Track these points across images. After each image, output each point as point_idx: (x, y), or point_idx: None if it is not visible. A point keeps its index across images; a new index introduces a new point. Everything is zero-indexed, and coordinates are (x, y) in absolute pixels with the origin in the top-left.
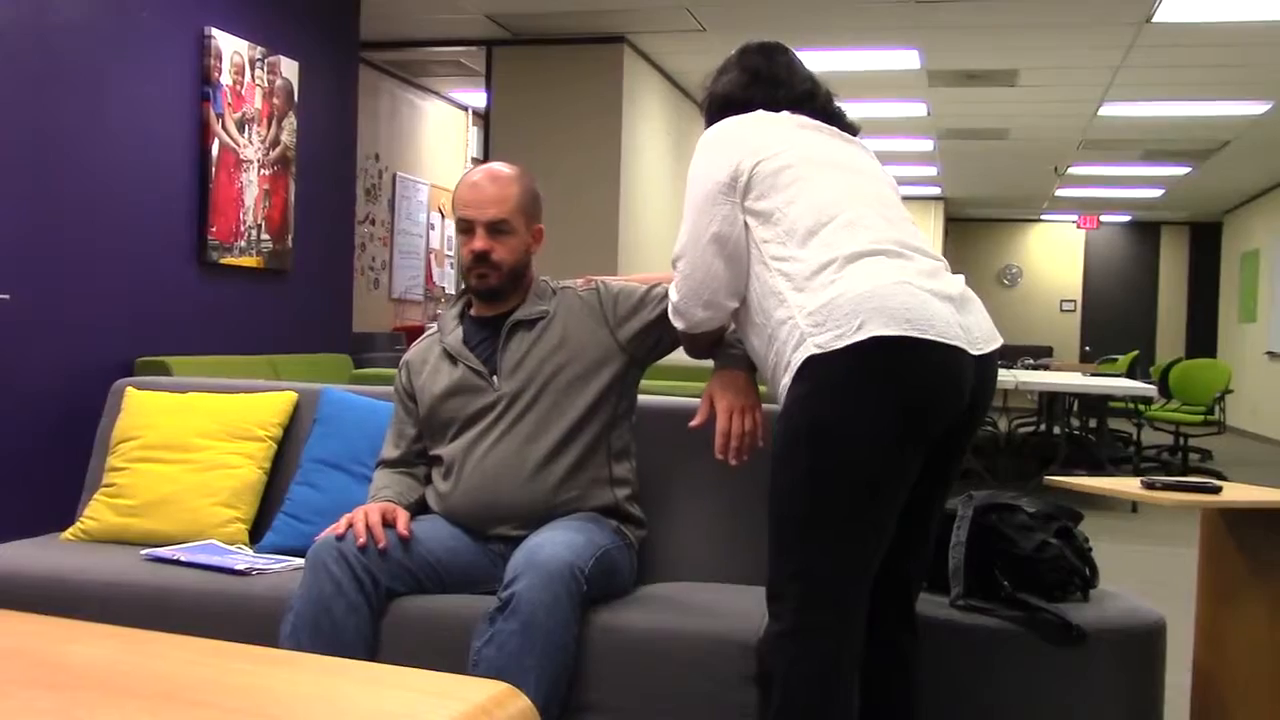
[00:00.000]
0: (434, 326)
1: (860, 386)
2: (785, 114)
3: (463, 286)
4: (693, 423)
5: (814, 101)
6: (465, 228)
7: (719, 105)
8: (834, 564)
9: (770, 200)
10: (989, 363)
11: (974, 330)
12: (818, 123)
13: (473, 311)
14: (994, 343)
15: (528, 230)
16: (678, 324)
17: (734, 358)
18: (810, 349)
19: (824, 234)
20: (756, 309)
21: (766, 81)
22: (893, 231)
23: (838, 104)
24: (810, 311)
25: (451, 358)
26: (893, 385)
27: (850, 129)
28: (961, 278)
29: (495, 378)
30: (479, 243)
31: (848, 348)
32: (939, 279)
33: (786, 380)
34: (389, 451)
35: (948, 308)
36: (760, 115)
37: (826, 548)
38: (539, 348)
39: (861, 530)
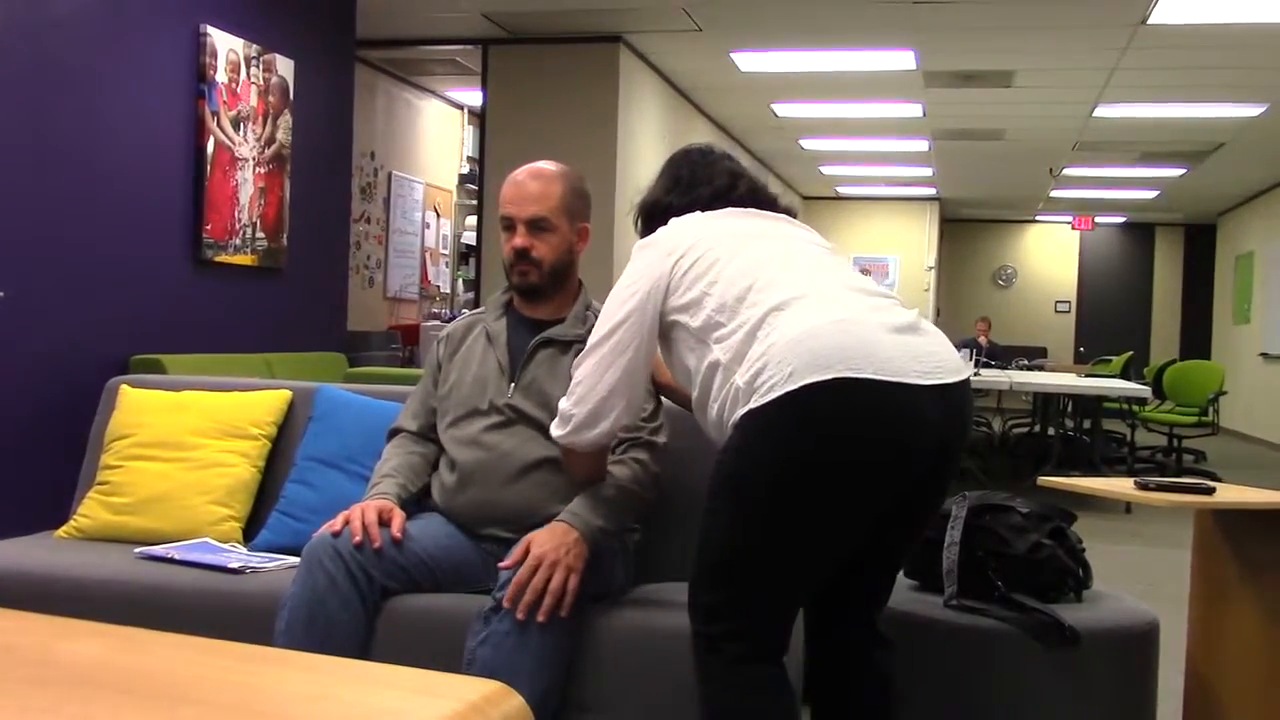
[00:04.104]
0: (466, 312)
1: (789, 438)
2: (696, 213)
3: (506, 284)
4: (501, 563)
5: (732, 193)
6: (507, 225)
7: (645, 212)
8: (749, 603)
9: (695, 289)
10: (954, 394)
11: (929, 361)
12: (732, 208)
13: (515, 304)
14: (958, 373)
15: (571, 229)
16: (555, 432)
17: (578, 516)
18: (749, 406)
19: (751, 296)
20: (710, 392)
21: (686, 185)
22: (826, 276)
23: (767, 191)
24: (747, 370)
25: (489, 340)
26: (823, 435)
27: (785, 211)
28: (916, 310)
29: (513, 385)
30: (519, 239)
31: (778, 399)
32: (886, 312)
33: (726, 437)
34: (407, 422)
35: (894, 339)
36: (672, 222)
37: (745, 590)
38: (558, 374)
39: (780, 579)
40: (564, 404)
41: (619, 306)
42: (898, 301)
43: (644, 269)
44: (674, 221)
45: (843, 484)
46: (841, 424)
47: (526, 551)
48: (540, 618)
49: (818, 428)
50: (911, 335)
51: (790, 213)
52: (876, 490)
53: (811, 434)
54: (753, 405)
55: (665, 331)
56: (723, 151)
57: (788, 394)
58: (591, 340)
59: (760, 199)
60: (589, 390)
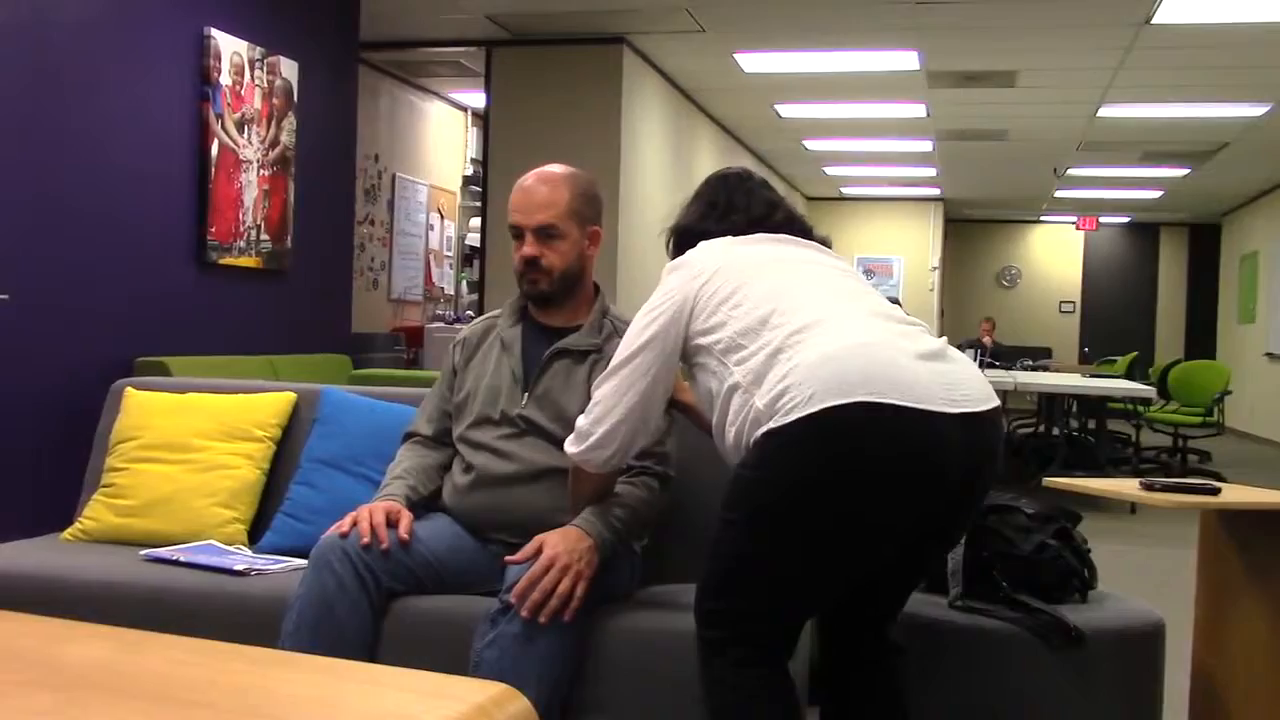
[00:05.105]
0: (471, 314)
1: (807, 459)
2: (727, 238)
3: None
4: (509, 557)
5: (768, 221)
6: (516, 233)
7: (679, 236)
8: (758, 615)
9: (720, 313)
10: (981, 423)
11: (956, 389)
12: (763, 234)
13: (530, 311)
14: (987, 402)
15: (582, 234)
16: (570, 449)
17: (593, 525)
18: (768, 427)
19: (774, 319)
20: (728, 415)
21: (722, 210)
22: (852, 302)
23: (804, 221)
24: (767, 392)
25: (504, 347)
26: (842, 458)
27: (820, 241)
28: (944, 339)
29: (526, 395)
30: (528, 248)
31: (798, 420)
32: (913, 339)
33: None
34: (422, 425)
35: (921, 365)
36: (701, 245)
37: (754, 603)
38: (572, 385)
39: (791, 595)
40: (582, 421)
41: (643, 330)
42: (925, 329)
43: (671, 291)
44: (703, 245)
45: (859, 507)
46: (861, 448)
47: (538, 550)
48: (542, 619)
49: (837, 450)
50: (939, 362)
51: (825, 243)
52: (893, 516)
53: (830, 456)
54: (772, 425)
55: (690, 355)
56: (761, 179)
57: (809, 415)
58: (615, 360)
59: (796, 228)
60: (607, 411)
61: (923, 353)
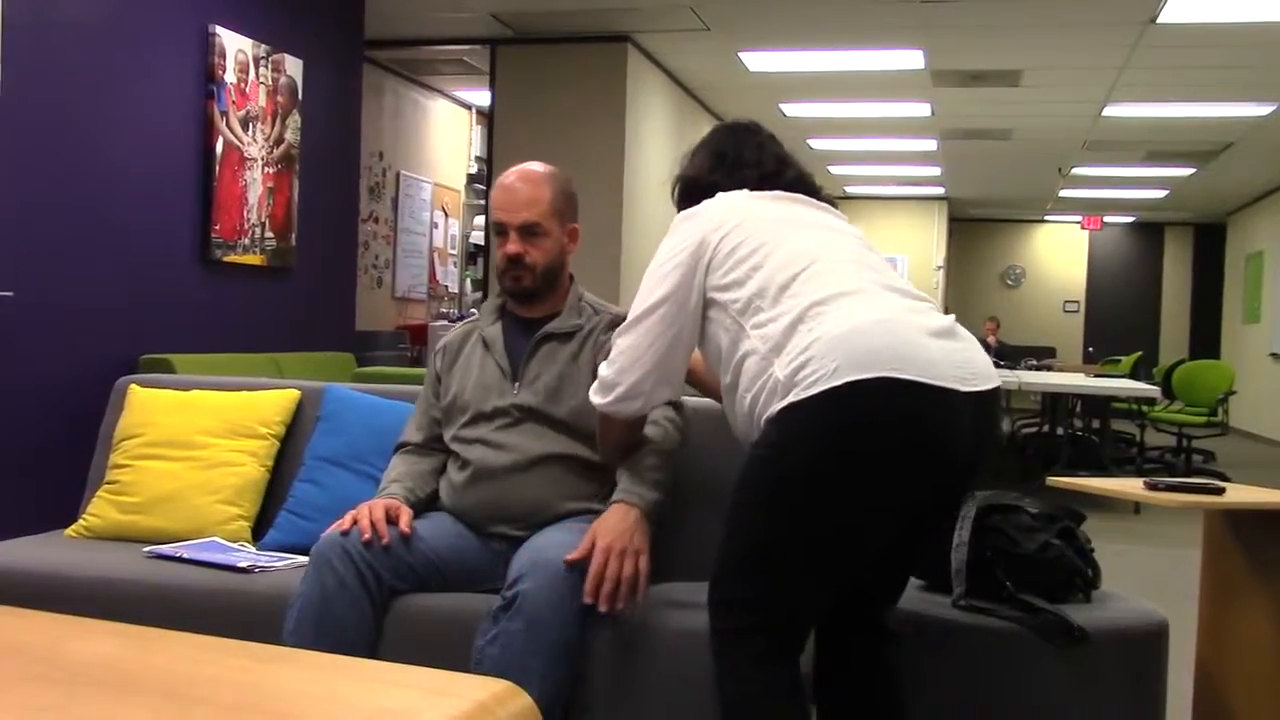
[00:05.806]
0: (474, 313)
1: (829, 433)
2: (744, 192)
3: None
4: (568, 555)
5: (780, 179)
6: (499, 231)
7: (686, 188)
8: (777, 600)
9: (738, 270)
10: (988, 401)
11: (966, 368)
12: (778, 192)
13: (509, 306)
14: (991, 381)
15: (562, 231)
16: (596, 399)
17: (634, 493)
18: (788, 400)
19: (794, 286)
20: (743, 381)
21: (731, 163)
22: (869, 275)
23: (813, 181)
24: (788, 363)
25: (486, 346)
26: (864, 433)
27: (828, 202)
28: (952, 316)
29: (517, 384)
30: (512, 246)
31: (821, 394)
32: (924, 315)
33: (759, 430)
34: (411, 435)
35: (935, 343)
36: (719, 197)
37: (774, 586)
38: (561, 363)
39: (811, 577)
40: (605, 371)
41: (662, 279)
42: (933, 305)
43: (686, 239)
44: (721, 196)
45: (878, 482)
46: (882, 423)
47: (593, 543)
48: (620, 605)
49: (859, 425)
50: (949, 340)
51: (831, 203)
52: (909, 491)
53: (852, 431)
54: (793, 399)
55: (703, 307)
56: (769, 132)
57: (831, 389)
58: (637, 309)
59: (805, 187)
60: (632, 362)
61: (934, 329)
